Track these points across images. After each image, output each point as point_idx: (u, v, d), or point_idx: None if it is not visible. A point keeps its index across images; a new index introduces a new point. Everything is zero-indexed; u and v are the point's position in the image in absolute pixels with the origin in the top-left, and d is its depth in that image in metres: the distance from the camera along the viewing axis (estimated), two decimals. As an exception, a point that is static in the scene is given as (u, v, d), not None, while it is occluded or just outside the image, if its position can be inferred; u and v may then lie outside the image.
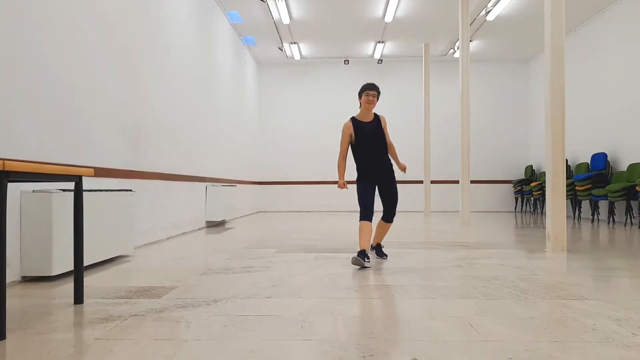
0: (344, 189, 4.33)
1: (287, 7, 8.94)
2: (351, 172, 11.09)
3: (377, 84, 12.75)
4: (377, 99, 4.07)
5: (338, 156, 4.18)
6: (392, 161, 4.27)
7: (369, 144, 4.04)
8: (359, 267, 3.74)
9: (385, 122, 4.14)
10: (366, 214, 3.93)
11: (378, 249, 4.28)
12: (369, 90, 4.04)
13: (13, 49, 3.22)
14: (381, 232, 4.26)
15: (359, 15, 9.49)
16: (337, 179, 12.90)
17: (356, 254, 3.76)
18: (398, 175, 12.91)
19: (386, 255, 4.25)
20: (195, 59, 7.28)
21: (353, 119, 4.12)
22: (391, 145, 4.24)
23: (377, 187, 4.15)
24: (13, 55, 3.22)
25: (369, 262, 3.76)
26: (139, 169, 5.20)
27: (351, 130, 4.07)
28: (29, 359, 1.78)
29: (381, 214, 4.12)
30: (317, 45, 11.46)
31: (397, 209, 12.89)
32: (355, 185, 4.27)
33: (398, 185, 12.91)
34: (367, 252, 3.79)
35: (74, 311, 2.46)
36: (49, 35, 3.61)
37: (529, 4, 8.90)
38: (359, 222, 3.95)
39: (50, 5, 3.64)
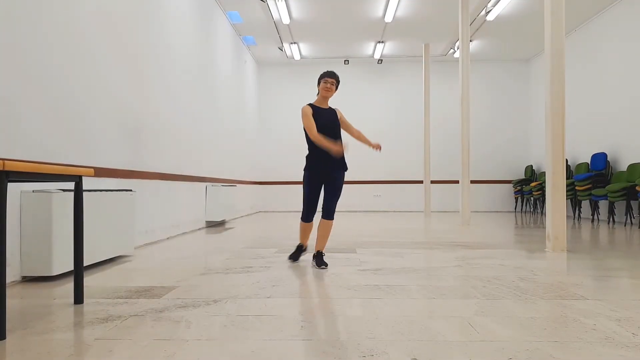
0: (344, 149, 3.78)
1: (287, 7, 8.94)
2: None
3: (377, 83, 12.91)
4: (336, 89, 3.95)
5: (311, 135, 3.80)
6: (362, 143, 4.09)
7: (325, 128, 3.84)
8: (295, 261, 4.12)
9: (341, 114, 4.03)
10: (308, 215, 3.96)
11: (319, 257, 3.85)
12: (328, 78, 3.90)
13: (14, 49, 3.22)
14: (323, 235, 3.90)
15: (359, 15, 9.49)
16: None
17: (294, 249, 4.21)
18: (398, 174, 12.92)
19: (326, 265, 3.79)
20: (196, 59, 7.28)
21: (311, 104, 3.95)
22: (358, 131, 4.10)
23: (324, 182, 3.91)
24: (14, 55, 3.22)
25: (304, 253, 4.23)
26: (139, 169, 5.20)
27: (310, 112, 3.87)
28: (29, 359, 1.78)
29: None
30: (317, 45, 11.46)
31: (397, 209, 12.88)
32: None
33: (400, 185, 12.92)
34: (304, 247, 4.18)
35: (74, 311, 2.46)
36: (50, 35, 3.61)
37: (529, 4, 8.90)
38: (300, 221, 4.08)
39: (52, 5, 3.64)
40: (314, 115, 3.87)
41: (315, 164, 3.90)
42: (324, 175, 3.90)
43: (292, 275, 3.45)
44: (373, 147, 3.97)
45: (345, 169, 3.95)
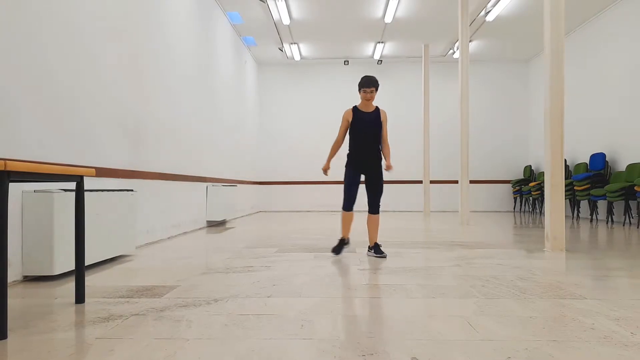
0: (325, 175, 4.75)
1: (287, 8, 8.95)
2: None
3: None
4: (376, 91, 4.30)
5: (335, 140, 4.44)
6: (382, 155, 4.44)
7: (363, 131, 4.28)
8: (337, 254, 4.28)
9: (385, 117, 4.35)
10: (349, 204, 4.31)
11: (376, 248, 4.34)
12: (366, 88, 4.26)
13: (15, 49, 3.23)
14: (373, 228, 4.36)
15: (359, 16, 9.50)
16: (341, 179, 12.77)
17: (336, 242, 4.41)
18: (397, 174, 12.93)
19: (385, 254, 4.29)
20: (196, 60, 7.29)
21: (354, 107, 4.38)
22: (386, 142, 4.39)
23: (364, 178, 4.38)
24: (15, 55, 3.23)
25: (347, 246, 4.44)
26: (140, 169, 5.21)
27: (350, 116, 4.34)
28: (30, 359, 1.79)
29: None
30: (317, 46, 11.47)
31: (397, 209, 12.90)
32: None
33: (400, 185, 12.93)
34: (346, 240, 4.38)
35: (75, 310, 2.47)
36: (51, 35, 3.62)
37: (529, 5, 8.91)
38: (341, 212, 4.31)
39: (53, 5, 3.65)
40: (354, 119, 4.32)
41: (350, 161, 4.37)
42: (359, 172, 4.34)
43: (292, 274, 3.47)
44: (387, 166, 4.27)
45: (380, 168, 4.35)
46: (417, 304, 2.59)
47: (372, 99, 4.29)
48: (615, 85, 8.71)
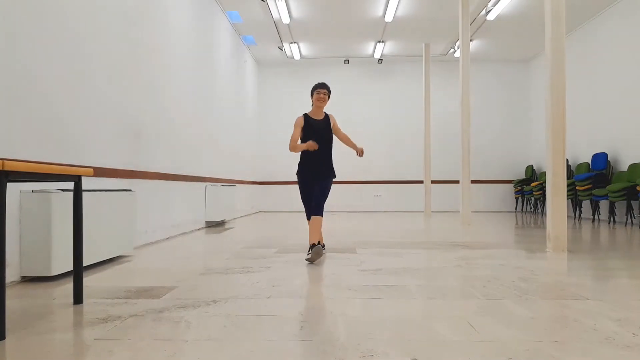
0: (313, 147, 4.18)
1: (287, 7, 8.94)
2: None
3: (377, 83, 12.92)
4: (328, 98, 4.33)
5: (289, 145, 4.27)
6: (349, 148, 4.48)
7: (315, 140, 4.26)
8: (319, 258, 4.01)
9: (334, 120, 4.42)
10: (309, 214, 4.30)
11: (311, 248, 4.13)
12: (320, 89, 4.31)
13: (13, 48, 3.21)
14: (314, 229, 4.12)
15: (359, 15, 9.49)
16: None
17: (310, 248, 4.09)
18: (398, 174, 12.91)
19: (311, 259, 4.01)
20: (195, 59, 7.27)
21: (305, 115, 4.37)
22: (345, 136, 4.48)
23: (315, 184, 4.31)
24: (13, 54, 3.21)
25: (324, 249, 4.44)
26: (139, 168, 5.20)
27: (302, 123, 4.31)
28: (28, 359, 1.77)
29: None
30: (317, 45, 11.46)
31: (398, 209, 12.89)
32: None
33: (401, 185, 12.92)
34: (321, 243, 4.26)
35: (73, 311, 2.45)
36: (49, 35, 3.60)
37: (530, 4, 8.89)
38: (307, 221, 4.36)
39: (51, 4, 3.63)
40: (305, 126, 4.31)
41: (302, 169, 4.36)
42: (312, 180, 4.32)
43: (291, 275, 3.45)
44: (357, 151, 4.36)
45: (333, 176, 4.36)
46: (417, 304, 2.58)
47: (324, 101, 4.29)
48: (617, 85, 8.69)
